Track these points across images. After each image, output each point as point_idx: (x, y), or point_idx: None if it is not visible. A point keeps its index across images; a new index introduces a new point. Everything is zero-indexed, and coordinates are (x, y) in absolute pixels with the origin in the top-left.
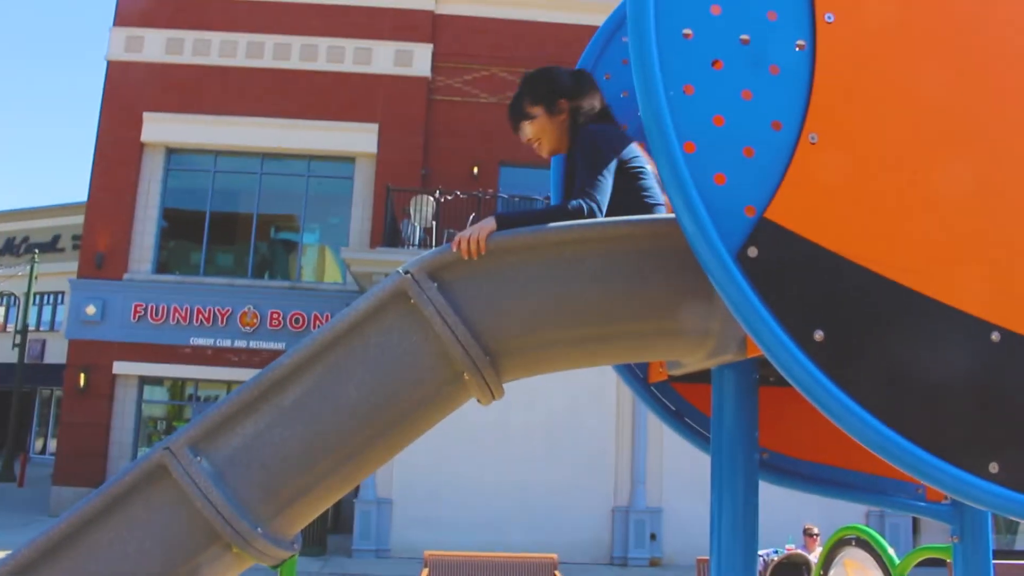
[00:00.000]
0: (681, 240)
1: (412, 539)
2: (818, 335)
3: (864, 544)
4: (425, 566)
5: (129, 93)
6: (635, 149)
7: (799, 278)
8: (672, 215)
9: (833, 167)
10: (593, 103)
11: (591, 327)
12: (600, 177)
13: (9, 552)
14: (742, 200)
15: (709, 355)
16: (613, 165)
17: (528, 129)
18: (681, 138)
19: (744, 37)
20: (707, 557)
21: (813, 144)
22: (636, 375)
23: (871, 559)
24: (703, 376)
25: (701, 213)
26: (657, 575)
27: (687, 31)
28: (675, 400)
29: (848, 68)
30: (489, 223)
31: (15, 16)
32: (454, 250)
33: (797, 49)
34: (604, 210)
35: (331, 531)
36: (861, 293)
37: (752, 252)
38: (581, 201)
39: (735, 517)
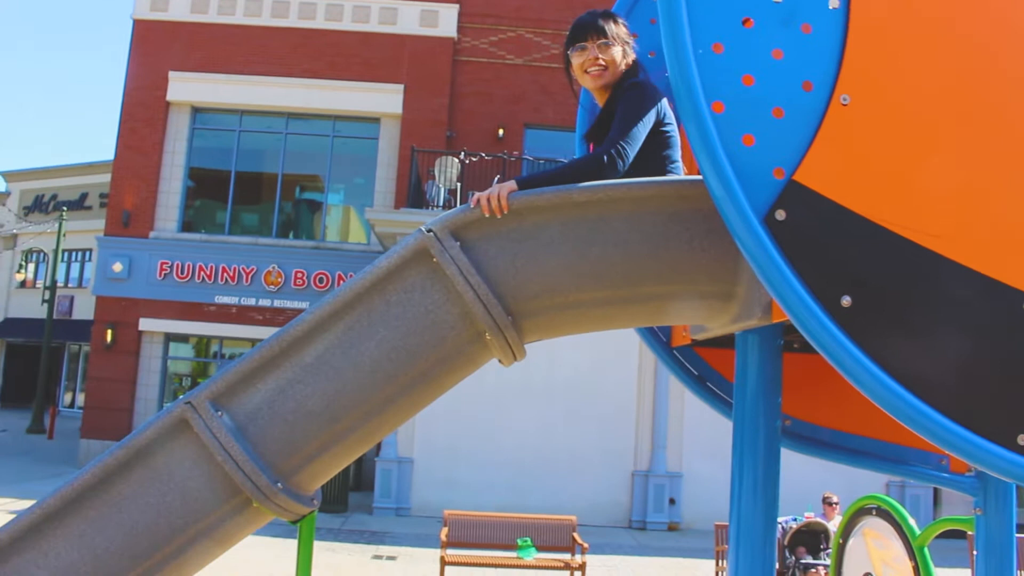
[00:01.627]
0: (707, 202)
1: (432, 498)
2: (845, 300)
3: (884, 514)
4: (444, 525)
5: (155, 52)
6: (672, 116)
7: (827, 242)
8: (698, 176)
9: (865, 129)
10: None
11: (614, 289)
12: (635, 131)
13: (36, 501)
14: (770, 162)
15: (733, 320)
16: (650, 126)
17: (609, 51)
18: (709, 98)
19: None
20: (724, 522)
21: (845, 106)
22: (659, 339)
23: (891, 529)
24: (726, 341)
25: (728, 174)
26: (676, 539)
27: None
28: (698, 365)
29: (882, 28)
30: (510, 184)
31: None
32: (473, 207)
33: (831, 8)
34: (627, 163)
35: (352, 489)
36: (890, 258)
37: (780, 215)
38: (603, 152)
39: (756, 484)
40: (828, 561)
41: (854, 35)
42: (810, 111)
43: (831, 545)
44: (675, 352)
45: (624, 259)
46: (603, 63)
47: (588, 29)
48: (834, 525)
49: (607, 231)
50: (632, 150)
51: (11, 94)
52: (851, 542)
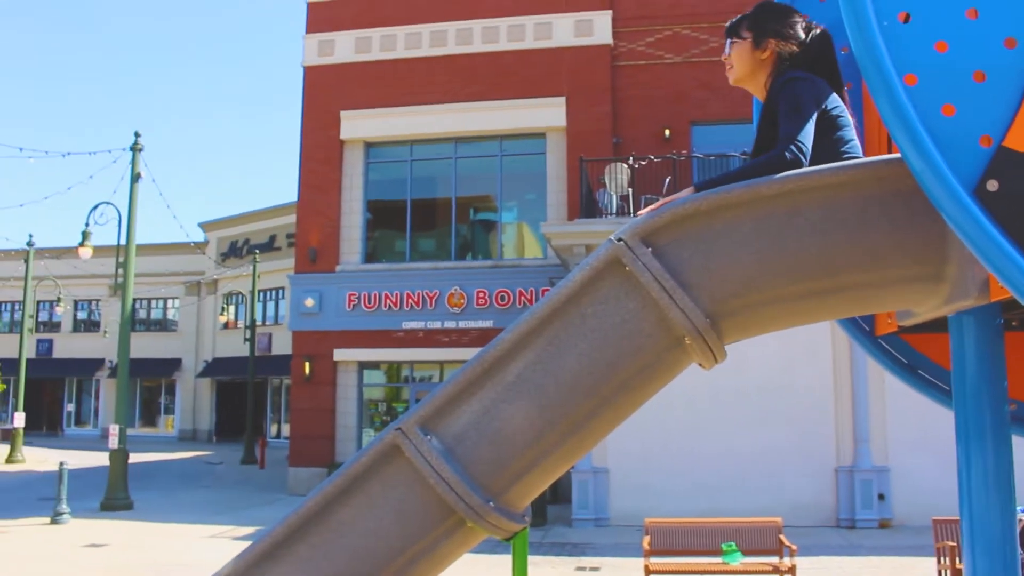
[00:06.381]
0: (906, 181)
1: (630, 507)
2: None
3: None
4: (646, 533)
5: (326, 94)
6: (836, 99)
7: None
8: (895, 155)
9: None
10: (803, 56)
11: (813, 281)
12: (808, 125)
13: (260, 528)
14: (976, 130)
15: (945, 302)
16: (815, 113)
17: (735, 50)
18: (900, 71)
19: None
20: (943, 517)
21: None
22: (862, 328)
23: None
24: (936, 325)
25: (930, 149)
26: (889, 537)
27: None
28: (906, 352)
29: None
30: (687, 191)
31: (219, 40)
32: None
33: None
34: (808, 156)
35: (550, 502)
36: None
37: (992, 185)
38: (783, 149)
39: (987, 476)
40: None
41: None
42: (1016, 71)
43: None
44: (880, 340)
45: (822, 249)
46: (731, 63)
47: (726, 32)
48: None
49: (801, 222)
50: (808, 142)
51: (205, 153)
52: None
